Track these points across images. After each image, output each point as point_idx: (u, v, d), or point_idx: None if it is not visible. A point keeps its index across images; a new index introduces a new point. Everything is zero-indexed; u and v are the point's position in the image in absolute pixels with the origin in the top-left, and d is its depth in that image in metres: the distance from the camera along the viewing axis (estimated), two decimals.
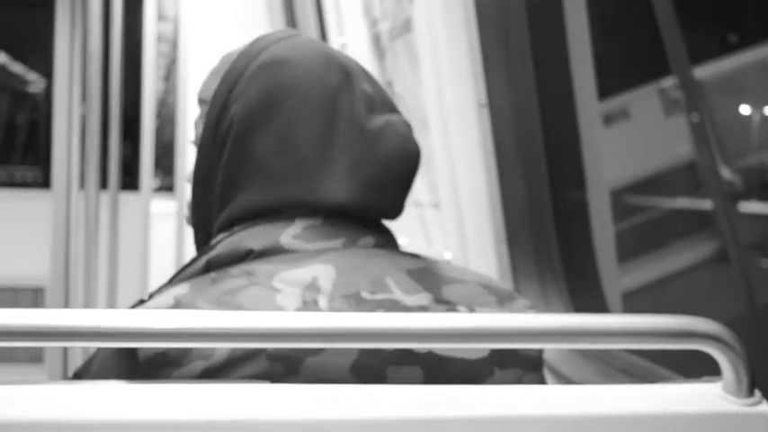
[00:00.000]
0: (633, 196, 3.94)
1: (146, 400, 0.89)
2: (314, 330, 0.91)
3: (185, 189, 4.16)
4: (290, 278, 1.11)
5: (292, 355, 1.04)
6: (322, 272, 1.12)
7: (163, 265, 4.14)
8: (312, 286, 1.10)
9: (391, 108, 1.22)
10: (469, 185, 1.89)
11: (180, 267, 1.22)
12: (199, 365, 1.03)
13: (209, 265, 1.17)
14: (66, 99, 4.19)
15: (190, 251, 3.96)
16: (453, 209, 1.94)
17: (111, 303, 3.95)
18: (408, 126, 1.21)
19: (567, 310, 1.86)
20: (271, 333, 0.91)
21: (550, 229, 1.88)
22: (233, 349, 1.03)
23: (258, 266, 1.12)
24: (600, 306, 1.87)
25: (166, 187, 4.71)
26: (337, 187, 1.18)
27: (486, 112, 1.85)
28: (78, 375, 1.19)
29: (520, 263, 1.91)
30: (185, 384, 0.95)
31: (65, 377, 4.43)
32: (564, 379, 1.74)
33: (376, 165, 1.18)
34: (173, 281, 1.21)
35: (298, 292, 1.09)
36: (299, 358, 1.04)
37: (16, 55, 6.81)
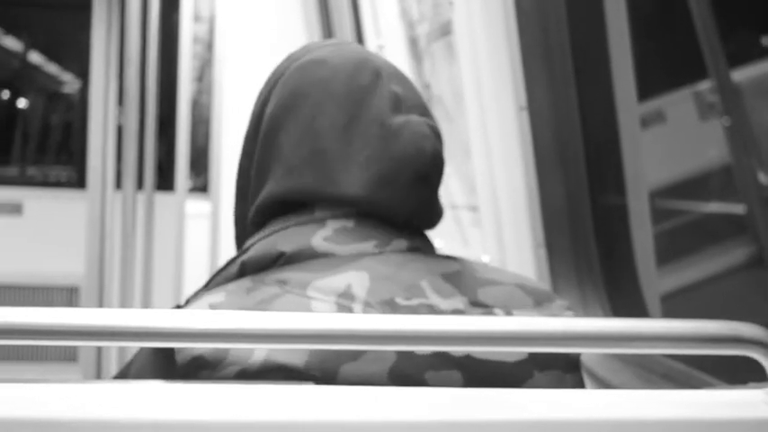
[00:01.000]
0: (668, 200, 3.91)
1: (179, 400, 0.89)
2: (351, 332, 0.91)
3: (220, 189, 4.19)
4: (324, 286, 1.11)
5: (329, 362, 1.04)
6: (356, 279, 1.12)
7: (197, 265, 4.16)
8: (346, 294, 1.11)
9: (421, 110, 1.22)
10: (508, 188, 1.89)
11: (215, 271, 1.24)
12: (234, 370, 1.04)
13: (243, 267, 1.18)
14: (102, 100, 4.21)
15: (224, 251, 3.98)
16: (491, 212, 1.93)
17: (146, 303, 3.97)
18: (431, 127, 1.21)
19: (606, 315, 1.85)
20: (306, 334, 0.91)
21: (589, 233, 1.88)
22: (268, 354, 1.04)
23: (291, 274, 1.13)
24: (639, 311, 1.86)
25: (200, 188, 4.73)
26: (353, 180, 1.19)
27: (525, 115, 1.85)
28: (118, 379, 1.20)
29: (558, 267, 1.90)
30: (220, 384, 0.96)
31: (98, 376, 4.46)
32: (600, 382, 1.73)
33: (389, 161, 1.18)
34: (208, 285, 1.22)
35: (332, 300, 1.10)
36: (336, 365, 1.04)
37: (51, 56, 6.86)
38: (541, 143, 1.87)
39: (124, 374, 1.19)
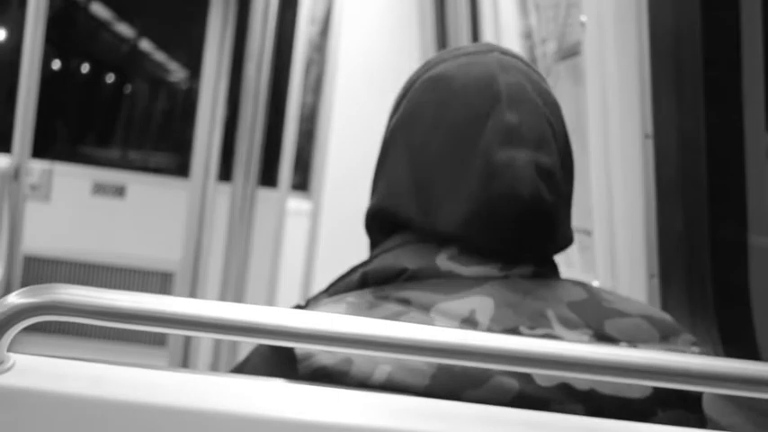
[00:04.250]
0: None
1: (258, 396, 0.90)
2: (476, 349, 0.91)
3: (321, 189, 4.22)
4: (447, 309, 1.11)
5: (451, 387, 1.04)
6: (480, 304, 1.12)
7: (293, 263, 4.19)
8: (470, 319, 1.10)
9: (536, 143, 1.18)
10: (626, 215, 1.87)
11: (337, 277, 1.25)
12: (354, 385, 1.04)
13: (365, 277, 1.19)
14: (212, 93, 4.28)
15: (322, 250, 4.00)
16: (606, 237, 1.91)
17: (239, 296, 4.02)
18: (540, 167, 1.16)
19: (717, 353, 1.81)
20: (432, 347, 0.91)
21: (705, 267, 1.84)
22: (391, 374, 1.04)
23: (415, 294, 1.13)
24: (750, 353, 1.82)
25: (296, 185, 4.77)
26: (451, 218, 1.17)
27: (650, 143, 1.82)
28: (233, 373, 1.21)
29: (670, 299, 1.87)
30: (342, 390, 0.96)
31: (185, 361, 4.53)
32: (711, 423, 1.70)
33: (487, 200, 1.16)
34: (329, 290, 1.23)
35: (455, 325, 1.10)
36: (458, 391, 1.04)
37: (161, 44, 6.99)
38: (664, 172, 1.84)
39: (239, 371, 1.20)
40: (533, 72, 1.26)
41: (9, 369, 0.89)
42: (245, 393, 0.92)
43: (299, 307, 1.23)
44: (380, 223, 1.26)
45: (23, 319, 0.87)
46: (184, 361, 4.49)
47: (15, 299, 0.87)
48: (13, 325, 0.87)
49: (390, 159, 1.25)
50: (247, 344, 0.91)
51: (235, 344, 3.68)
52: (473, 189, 1.17)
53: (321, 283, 3.93)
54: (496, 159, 1.16)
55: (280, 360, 1.10)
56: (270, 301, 4.08)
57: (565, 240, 1.25)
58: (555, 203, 1.18)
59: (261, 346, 1.17)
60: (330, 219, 3.92)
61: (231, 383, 0.94)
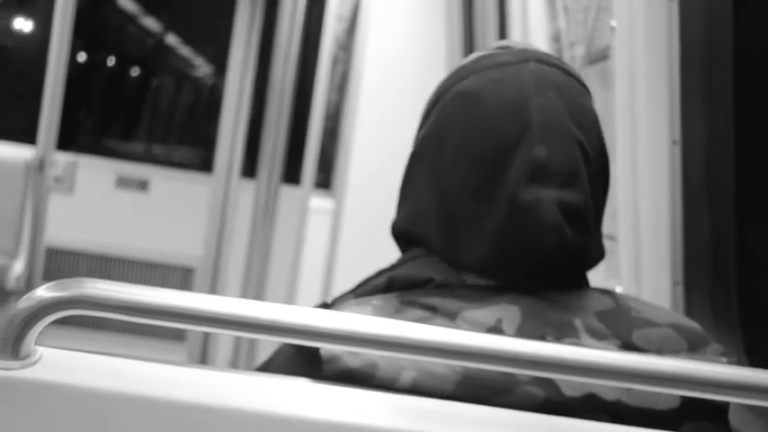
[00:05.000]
0: None
1: (282, 395, 0.90)
2: (502, 353, 0.90)
3: (345, 188, 4.22)
4: (473, 318, 1.11)
5: (476, 393, 1.04)
6: (506, 313, 1.11)
7: (314, 263, 4.18)
8: (496, 328, 1.10)
9: (566, 177, 1.14)
10: (651, 221, 1.86)
11: (363, 279, 1.24)
12: (379, 389, 1.03)
13: (391, 282, 1.18)
14: (237, 90, 4.29)
15: (343, 249, 4.00)
16: (631, 243, 1.90)
17: (259, 294, 4.02)
18: (566, 208, 1.13)
19: (741, 364, 1.80)
20: (458, 350, 0.91)
21: (731, 277, 1.83)
22: (417, 378, 1.03)
23: (441, 301, 1.12)
24: None
25: (323, 184, 4.77)
26: (476, 255, 1.16)
27: (678, 149, 1.81)
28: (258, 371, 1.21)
29: (694, 308, 1.86)
30: (365, 391, 0.96)
31: (203, 357, 4.54)
32: None
33: (511, 241, 1.14)
34: (355, 291, 1.23)
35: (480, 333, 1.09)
36: (484, 397, 1.04)
37: (187, 39, 7.01)
38: (691, 179, 1.83)
39: (263, 370, 1.20)
40: (572, 84, 1.20)
41: (36, 362, 0.89)
42: (269, 392, 0.92)
43: (324, 306, 1.23)
44: (406, 240, 1.26)
45: (51, 312, 0.88)
46: (203, 357, 4.50)
47: (43, 293, 0.88)
48: (41, 318, 0.87)
49: (417, 178, 1.24)
50: (267, 341, 0.90)
51: (253, 341, 3.68)
52: (497, 229, 1.14)
53: (341, 281, 3.93)
54: (522, 199, 1.13)
55: (304, 360, 1.10)
56: (289, 298, 4.08)
57: (596, 259, 1.24)
58: (582, 243, 1.16)
59: (285, 346, 1.16)
60: (352, 218, 3.92)
61: (255, 382, 0.93)
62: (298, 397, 0.91)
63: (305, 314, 0.89)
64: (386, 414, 0.89)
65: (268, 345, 4.00)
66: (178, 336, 4.98)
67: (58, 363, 0.90)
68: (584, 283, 1.22)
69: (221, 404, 0.87)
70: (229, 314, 0.86)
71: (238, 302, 0.87)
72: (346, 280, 3.94)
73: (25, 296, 0.89)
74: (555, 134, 1.15)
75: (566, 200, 1.13)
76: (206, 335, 4.39)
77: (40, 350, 0.91)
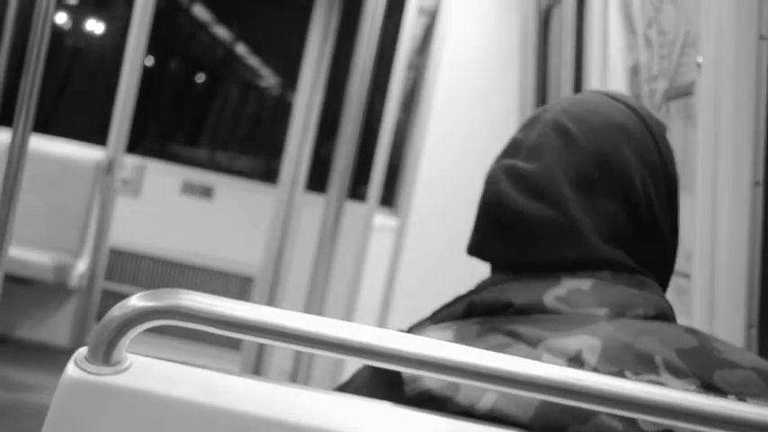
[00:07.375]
0: None
1: (365, 417, 0.90)
2: (583, 389, 0.90)
3: (410, 206, 4.22)
4: (555, 347, 1.10)
5: (555, 421, 1.03)
6: (587, 344, 1.11)
7: (373, 281, 4.18)
8: (576, 359, 1.09)
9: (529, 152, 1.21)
10: (728, 263, 1.83)
11: (441, 305, 1.25)
12: (459, 411, 1.03)
13: (470, 307, 1.18)
14: (306, 103, 4.32)
15: (404, 268, 3.99)
16: (707, 283, 1.87)
17: (319, 309, 4.01)
18: (511, 171, 1.20)
19: None
20: (538, 383, 0.90)
21: None
22: (496, 402, 1.03)
23: (523, 328, 1.12)
24: None
25: (386, 201, 4.77)
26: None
27: (760, 191, 1.79)
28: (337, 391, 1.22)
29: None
30: (448, 418, 0.96)
31: (257, 367, 4.56)
32: None
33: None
34: (434, 317, 1.23)
35: (562, 363, 1.09)
36: (564, 426, 1.03)
37: (255, 49, 7.08)
38: None
39: (344, 388, 1.20)
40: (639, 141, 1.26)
41: (126, 369, 0.90)
42: (353, 413, 0.92)
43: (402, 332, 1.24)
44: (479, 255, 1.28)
45: (144, 321, 0.88)
46: (256, 367, 4.52)
47: (138, 301, 0.89)
48: (133, 326, 0.88)
49: (487, 192, 1.28)
50: (323, 357, 0.91)
51: (311, 355, 3.69)
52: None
53: (401, 300, 3.92)
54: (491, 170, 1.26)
55: (384, 382, 1.10)
56: (347, 316, 4.08)
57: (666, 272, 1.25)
58: (546, 215, 1.19)
59: (365, 368, 1.17)
60: (415, 237, 3.92)
61: (341, 402, 0.94)
62: (380, 419, 0.91)
63: (391, 338, 0.90)
64: None
65: (324, 359, 4.00)
66: (233, 344, 5.00)
67: (148, 370, 0.91)
68: (669, 316, 1.21)
69: (310, 425, 0.87)
70: (324, 335, 0.86)
71: (332, 324, 0.87)
72: (406, 299, 3.94)
73: (119, 303, 0.90)
74: (621, 193, 1.21)
75: (515, 166, 1.21)
76: (260, 345, 4.41)
77: (131, 357, 0.92)
